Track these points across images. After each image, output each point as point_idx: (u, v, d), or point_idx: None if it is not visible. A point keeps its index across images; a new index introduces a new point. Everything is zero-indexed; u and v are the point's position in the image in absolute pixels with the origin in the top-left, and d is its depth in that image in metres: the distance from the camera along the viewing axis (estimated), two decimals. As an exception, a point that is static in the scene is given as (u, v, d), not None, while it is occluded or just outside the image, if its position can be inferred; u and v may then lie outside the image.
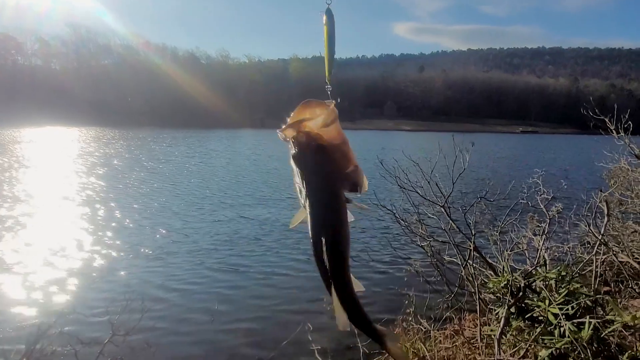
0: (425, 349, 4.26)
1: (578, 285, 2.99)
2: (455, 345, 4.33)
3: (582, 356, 2.30)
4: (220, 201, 15.76)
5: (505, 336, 3.20)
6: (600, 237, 3.62)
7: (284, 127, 1.04)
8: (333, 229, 1.08)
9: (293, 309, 7.03)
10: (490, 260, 4.59)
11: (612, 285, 5.09)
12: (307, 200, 1.06)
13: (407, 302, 5.11)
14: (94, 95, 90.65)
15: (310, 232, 1.08)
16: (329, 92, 1.13)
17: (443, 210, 5.09)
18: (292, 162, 1.06)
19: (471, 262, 4.65)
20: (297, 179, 1.08)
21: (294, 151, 1.04)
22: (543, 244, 4.30)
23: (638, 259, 5.13)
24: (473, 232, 4.68)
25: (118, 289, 7.64)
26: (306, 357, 4.90)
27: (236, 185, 19.49)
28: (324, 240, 1.06)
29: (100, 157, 28.76)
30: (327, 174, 1.06)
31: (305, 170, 1.05)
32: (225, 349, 5.88)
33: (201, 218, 13.17)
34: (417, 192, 5.34)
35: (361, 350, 4.30)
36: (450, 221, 5.02)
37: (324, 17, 1.10)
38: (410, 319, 4.88)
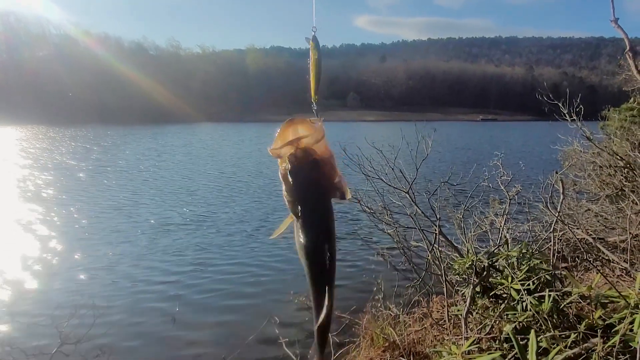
0: (395, 334, 4.27)
1: (538, 262, 3.06)
2: (424, 327, 4.38)
3: (544, 327, 2.36)
4: (174, 200, 15.09)
5: (472, 315, 3.24)
6: (557, 216, 3.72)
7: (279, 145, 1.11)
8: (330, 236, 1.19)
9: (258, 304, 6.89)
10: (455, 243, 4.65)
11: (569, 260, 5.31)
12: (303, 211, 1.15)
13: (375, 288, 5.12)
14: (30, 90, 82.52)
15: (303, 240, 1.17)
16: (315, 111, 1.22)
17: (408, 196, 5.11)
18: (288, 177, 1.13)
19: (437, 246, 4.69)
20: (292, 192, 1.15)
21: (290, 167, 1.12)
22: (504, 224, 4.40)
23: (592, 234, 5.37)
24: (438, 217, 4.72)
25: (64, 295, 7.17)
26: (274, 349, 4.81)
27: (190, 182, 18.81)
28: (323, 247, 1.17)
29: (40, 157, 26.73)
30: (322, 187, 1.17)
31: (302, 184, 1.14)
32: (190, 349, 5.67)
33: (153, 218, 12.53)
34: (382, 179, 5.32)
35: (331, 341, 4.25)
36: (415, 206, 5.05)
37: (311, 44, 1.18)
38: (379, 305, 4.89)
